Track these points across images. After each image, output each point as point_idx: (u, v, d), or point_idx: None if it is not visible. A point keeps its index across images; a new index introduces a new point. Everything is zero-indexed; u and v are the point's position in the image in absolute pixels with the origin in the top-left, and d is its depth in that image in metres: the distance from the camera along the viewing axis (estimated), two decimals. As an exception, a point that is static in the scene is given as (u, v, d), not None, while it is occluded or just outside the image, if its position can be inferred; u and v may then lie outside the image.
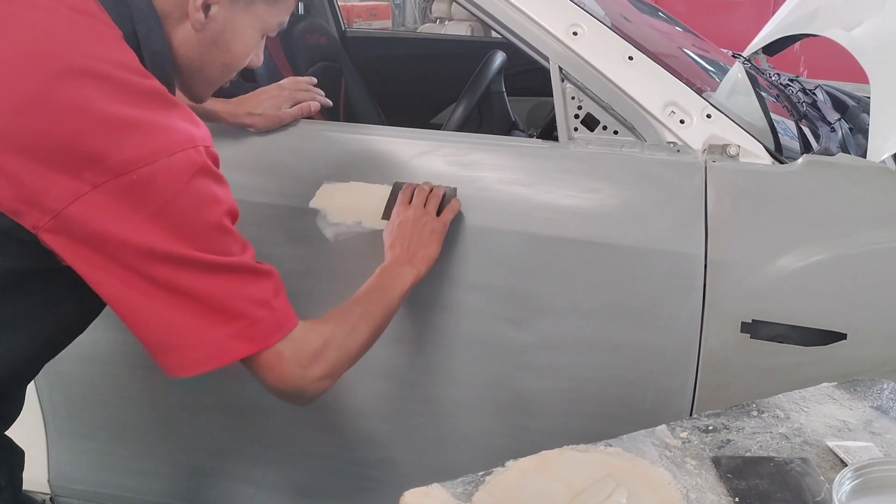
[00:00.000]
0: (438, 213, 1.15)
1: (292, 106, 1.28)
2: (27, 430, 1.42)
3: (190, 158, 0.81)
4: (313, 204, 1.22)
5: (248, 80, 1.54)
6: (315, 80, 1.36)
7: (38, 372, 0.96)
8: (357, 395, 1.28)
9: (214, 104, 1.25)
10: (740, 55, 1.95)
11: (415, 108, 2.41)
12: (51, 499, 1.49)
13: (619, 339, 1.15)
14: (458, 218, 1.18)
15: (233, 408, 1.33)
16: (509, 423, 1.23)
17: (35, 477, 1.46)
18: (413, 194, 1.16)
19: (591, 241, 1.14)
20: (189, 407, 1.35)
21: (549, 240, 1.15)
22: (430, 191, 1.17)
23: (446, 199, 1.17)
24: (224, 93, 1.10)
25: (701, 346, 1.12)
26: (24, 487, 1.43)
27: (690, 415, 1.14)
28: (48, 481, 1.47)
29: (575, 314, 1.16)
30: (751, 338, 1.10)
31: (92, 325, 0.96)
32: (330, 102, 1.35)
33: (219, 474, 1.40)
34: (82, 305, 0.85)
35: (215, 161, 0.85)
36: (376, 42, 2.60)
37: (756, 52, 2.00)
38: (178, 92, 0.98)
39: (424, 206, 1.14)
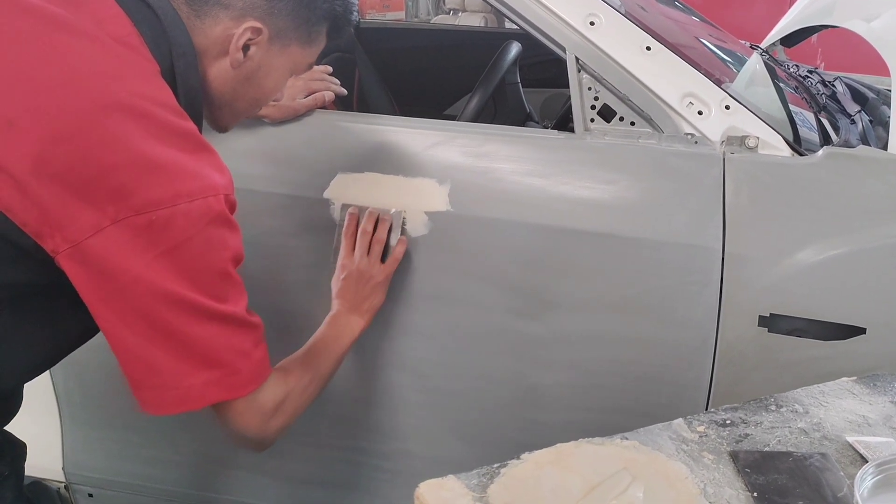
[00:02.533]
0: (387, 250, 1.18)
1: (307, 96, 1.28)
2: (42, 419, 1.42)
3: (209, 206, 0.83)
4: (328, 194, 1.22)
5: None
6: (330, 69, 1.36)
7: (38, 375, 0.98)
8: (370, 386, 1.28)
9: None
10: (758, 46, 1.93)
11: (427, 100, 2.40)
12: (65, 486, 1.49)
13: (633, 332, 1.14)
14: (473, 209, 1.17)
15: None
16: (522, 416, 1.23)
17: (50, 465, 1.47)
18: (357, 239, 1.17)
19: (606, 233, 1.13)
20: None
21: (563, 232, 1.14)
22: (374, 230, 1.17)
23: (392, 229, 1.18)
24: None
25: (717, 340, 1.11)
26: (39, 475, 1.46)
27: (706, 409, 1.13)
28: (63, 469, 1.47)
29: (589, 307, 1.15)
30: (768, 332, 1.09)
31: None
32: (345, 91, 1.34)
33: (232, 464, 1.41)
34: (83, 322, 0.87)
35: (233, 207, 0.88)
36: (390, 33, 2.59)
37: (773, 44, 1.97)
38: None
39: (369, 252, 1.16)
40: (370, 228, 1.17)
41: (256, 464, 1.39)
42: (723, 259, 1.09)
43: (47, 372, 1.37)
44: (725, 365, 1.11)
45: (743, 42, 1.89)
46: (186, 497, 1.45)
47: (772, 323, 1.08)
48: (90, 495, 1.49)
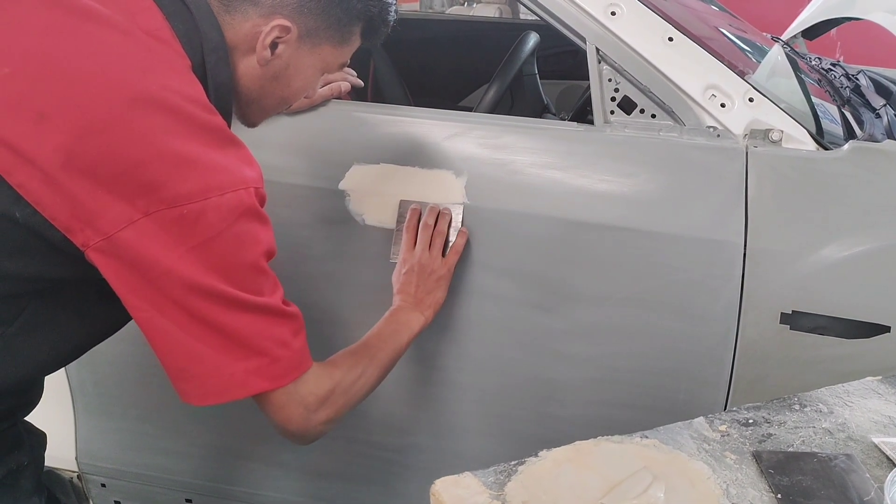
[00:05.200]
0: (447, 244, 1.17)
1: (323, 86, 1.26)
2: (56, 409, 1.42)
3: (239, 199, 0.82)
4: (343, 185, 1.21)
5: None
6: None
7: (62, 367, 0.97)
8: (386, 380, 1.26)
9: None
10: (779, 39, 1.90)
11: (442, 91, 2.39)
12: (78, 476, 1.49)
13: (652, 328, 1.13)
14: (490, 201, 1.16)
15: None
16: (538, 411, 1.21)
17: (63, 455, 1.47)
18: (417, 233, 1.16)
19: (626, 227, 1.11)
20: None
21: (582, 225, 1.13)
22: (436, 224, 1.16)
23: (452, 223, 1.16)
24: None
25: (738, 336, 1.09)
26: (52, 465, 1.46)
27: (725, 407, 1.12)
28: (76, 459, 1.48)
29: (608, 302, 1.14)
30: (790, 329, 1.07)
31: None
32: (361, 83, 1.33)
33: (245, 456, 1.40)
34: (112, 315, 0.86)
35: (263, 201, 0.87)
36: (404, 23, 2.55)
37: (795, 36, 1.94)
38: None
39: (430, 247, 1.15)
40: (431, 222, 1.16)
41: (270, 456, 1.38)
42: (744, 255, 1.07)
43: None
44: (746, 362, 1.10)
45: (764, 34, 1.86)
46: (198, 488, 1.45)
47: (794, 320, 1.07)
48: (103, 485, 1.49)
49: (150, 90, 0.80)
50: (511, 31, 1.89)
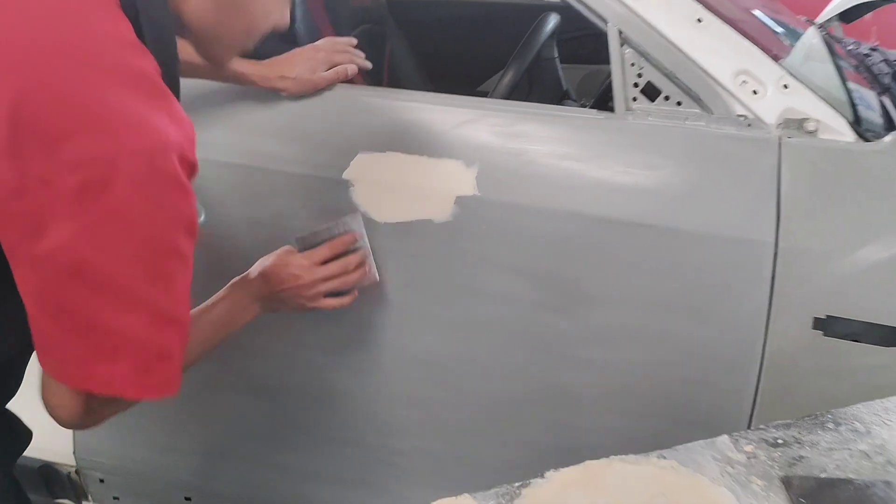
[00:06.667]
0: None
1: (328, 69, 1.21)
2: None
3: (155, 165, 0.72)
4: (347, 175, 1.16)
5: (285, 41, 1.48)
6: (355, 41, 1.29)
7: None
8: (389, 381, 1.23)
9: (244, 66, 1.18)
10: (814, 22, 1.82)
11: (461, 75, 2.35)
12: (76, 471, 1.48)
13: (673, 333, 1.07)
14: (502, 194, 1.11)
15: (258, 389, 1.30)
16: (550, 418, 1.17)
17: (61, 449, 1.45)
18: (336, 265, 1.10)
19: (647, 223, 1.06)
20: (215, 386, 1.32)
21: (601, 221, 1.08)
22: (355, 268, 1.11)
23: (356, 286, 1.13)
24: (257, 53, 1.03)
25: (766, 343, 1.03)
26: (50, 459, 1.44)
27: (750, 419, 1.06)
28: (74, 453, 1.45)
29: (626, 304, 1.08)
30: (823, 335, 1.01)
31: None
32: (369, 65, 1.28)
33: (242, 456, 1.37)
34: None
35: (191, 169, 0.77)
36: (422, 5, 2.52)
37: (830, 19, 1.86)
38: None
39: (326, 280, 1.09)
40: (352, 267, 1.11)
41: (266, 458, 1.35)
42: (775, 254, 1.02)
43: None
44: (774, 371, 1.04)
45: (798, 17, 1.78)
46: (197, 487, 1.43)
47: (828, 326, 1.01)
48: (101, 480, 1.47)
49: (66, 40, 0.70)
50: (534, 13, 1.82)
